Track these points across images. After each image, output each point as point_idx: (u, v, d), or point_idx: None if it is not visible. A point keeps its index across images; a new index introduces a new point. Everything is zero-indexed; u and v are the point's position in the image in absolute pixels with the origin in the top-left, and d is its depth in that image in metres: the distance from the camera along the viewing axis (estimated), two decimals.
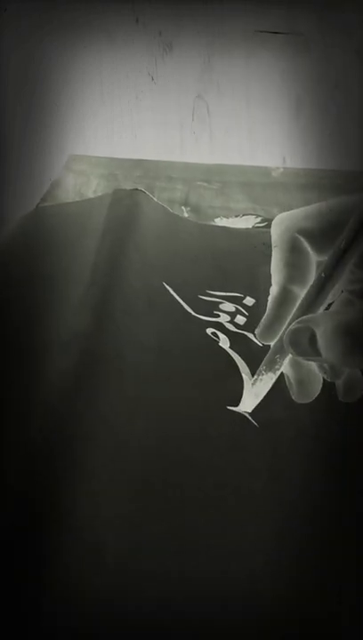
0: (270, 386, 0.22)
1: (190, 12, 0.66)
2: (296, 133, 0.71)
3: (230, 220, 0.52)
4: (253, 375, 0.22)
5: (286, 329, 0.20)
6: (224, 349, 0.36)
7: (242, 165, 0.66)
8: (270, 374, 0.21)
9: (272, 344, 0.22)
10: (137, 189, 0.50)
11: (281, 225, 0.22)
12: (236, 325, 0.38)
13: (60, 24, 0.66)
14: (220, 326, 0.38)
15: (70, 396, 0.32)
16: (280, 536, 0.27)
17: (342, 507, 0.28)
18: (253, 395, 0.22)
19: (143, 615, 0.24)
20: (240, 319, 0.39)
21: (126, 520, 0.27)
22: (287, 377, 0.22)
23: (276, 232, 0.22)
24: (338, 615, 0.24)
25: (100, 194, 0.55)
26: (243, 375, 0.34)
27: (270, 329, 0.22)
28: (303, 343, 0.19)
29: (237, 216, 0.53)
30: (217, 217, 0.53)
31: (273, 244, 0.22)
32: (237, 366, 0.35)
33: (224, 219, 0.53)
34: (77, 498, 0.27)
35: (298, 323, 0.19)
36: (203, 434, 0.31)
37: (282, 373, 0.22)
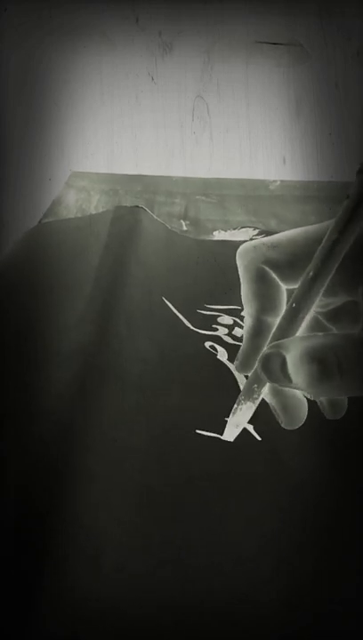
0: (250, 415, 0.21)
1: (190, 12, 0.66)
2: (296, 133, 0.71)
3: (229, 232, 0.53)
4: None
5: None
6: (222, 362, 0.37)
7: (240, 179, 0.67)
8: (249, 403, 0.21)
9: (250, 373, 0.21)
10: (137, 206, 0.50)
11: (246, 257, 0.21)
12: (234, 338, 0.39)
13: (60, 24, 0.66)
14: (218, 339, 0.39)
15: (71, 406, 0.32)
16: (281, 542, 0.27)
17: (342, 508, 0.29)
18: (233, 425, 0.22)
19: (142, 619, 0.25)
20: (238, 331, 0.39)
21: (126, 528, 0.28)
22: (272, 406, 0.21)
23: (241, 264, 0.21)
24: (337, 615, 0.25)
25: (101, 210, 0.55)
26: (241, 387, 0.35)
27: (248, 360, 0.21)
28: (275, 369, 0.18)
29: (235, 229, 0.53)
30: (216, 230, 0.54)
31: (240, 276, 0.22)
32: (235, 378, 0.36)
33: (222, 232, 0.53)
34: (77, 507, 0.28)
35: (270, 348, 0.19)
36: (202, 444, 0.32)
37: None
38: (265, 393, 0.21)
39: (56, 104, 0.70)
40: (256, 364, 0.20)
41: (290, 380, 0.18)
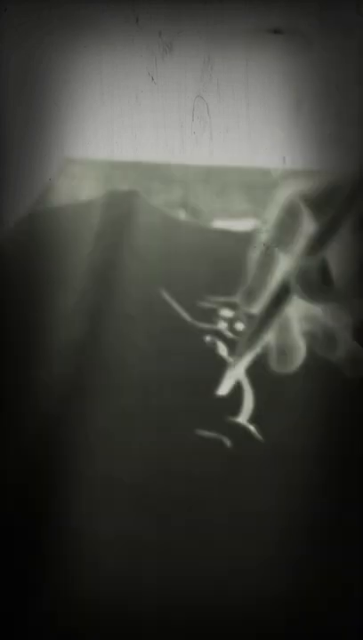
0: (247, 365, 0.22)
1: (190, 11, 0.66)
2: (296, 133, 0.71)
3: (230, 222, 0.52)
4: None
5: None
6: (223, 357, 0.37)
7: (242, 167, 0.66)
8: (249, 351, 0.21)
9: (259, 317, 0.21)
10: (131, 191, 0.50)
11: (288, 187, 0.23)
12: (234, 332, 0.39)
13: (60, 24, 0.66)
14: (218, 333, 0.38)
15: (67, 403, 0.32)
16: (282, 548, 0.27)
17: (344, 513, 0.28)
18: (231, 378, 0.22)
19: (142, 622, 0.25)
20: (239, 326, 0.39)
21: (125, 527, 0.27)
22: (270, 345, 0.22)
23: (281, 191, 0.23)
24: (339, 616, 0.25)
25: (94, 197, 0.55)
26: (242, 384, 0.34)
27: (252, 293, 0.22)
28: (313, 277, 0.19)
29: (236, 218, 0.53)
30: (216, 219, 0.53)
31: (275, 202, 0.23)
32: None
33: (223, 221, 0.52)
34: (75, 507, 0.27)
35: (307, 260, 0.19)
36: (202, 443, 0.31)
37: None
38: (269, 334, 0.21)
39: (56, 104, 0.70)
40: (265, 300, 0.21)
41: (330, 284, 0.18)
